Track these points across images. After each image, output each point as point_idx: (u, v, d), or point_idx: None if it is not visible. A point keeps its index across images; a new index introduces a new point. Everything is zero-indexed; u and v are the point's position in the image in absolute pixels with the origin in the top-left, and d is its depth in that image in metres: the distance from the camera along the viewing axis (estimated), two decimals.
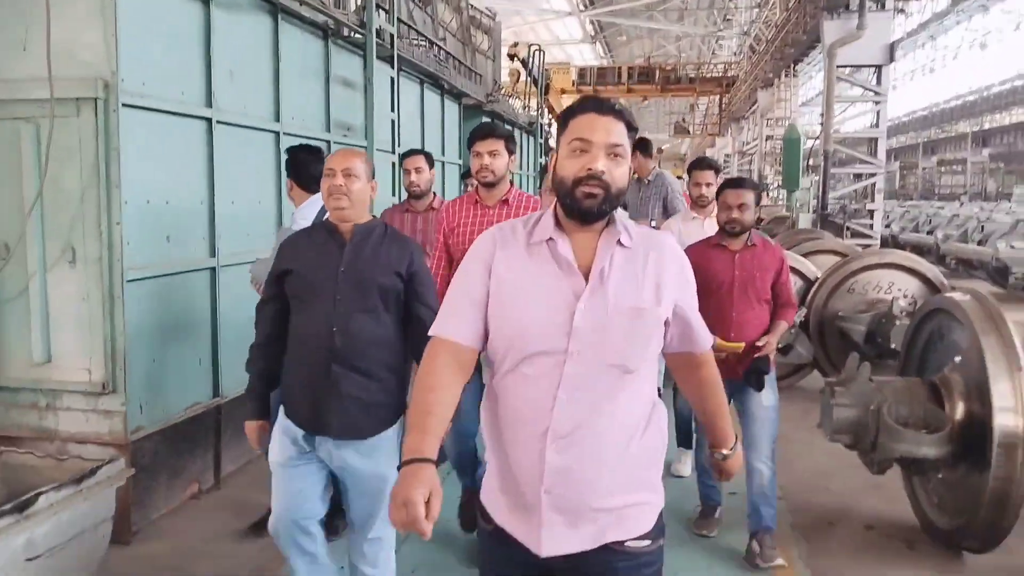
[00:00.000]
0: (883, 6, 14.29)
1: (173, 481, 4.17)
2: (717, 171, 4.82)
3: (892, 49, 14.56)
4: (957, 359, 3.76)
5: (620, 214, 1.74)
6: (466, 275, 1.71)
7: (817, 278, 6.72)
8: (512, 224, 1.74)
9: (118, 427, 3.75)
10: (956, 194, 37.54)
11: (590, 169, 1.57)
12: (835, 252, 7.80)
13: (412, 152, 4.54)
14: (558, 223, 1.66)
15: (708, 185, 4.63)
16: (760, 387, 3.56)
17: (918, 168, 50.85)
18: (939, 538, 3.81)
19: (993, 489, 3.34)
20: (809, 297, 6.62)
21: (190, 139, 4.28)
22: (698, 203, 4.73)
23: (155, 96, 3.92)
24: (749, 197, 3.56)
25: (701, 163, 4.93)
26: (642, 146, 5.99)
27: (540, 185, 6.00)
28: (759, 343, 3.54)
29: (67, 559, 2.94)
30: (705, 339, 1.81)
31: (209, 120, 4.37)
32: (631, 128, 1.67)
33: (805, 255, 7.63)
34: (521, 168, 13.06)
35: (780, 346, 6.43)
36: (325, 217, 2.77)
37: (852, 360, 3.92)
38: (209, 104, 4.38)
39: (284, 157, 3.79)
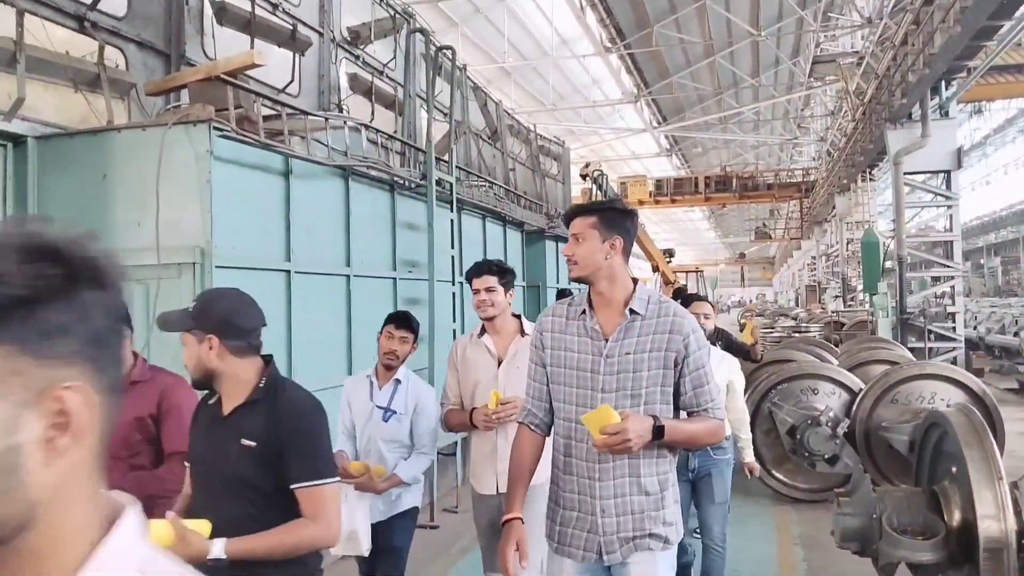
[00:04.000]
0: (947, 114, 14.58)
1: None
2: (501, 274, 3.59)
3: (959, 155, 14.73)
4: (953, 469, 4.02)
5: None
6: None
7: (861, 389, 6.95)
8: None
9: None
10: None
11: None
12: (888, 362, 8.03)
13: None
14: None
15: (490, 290, 3.54)
16: None
17: (1021, 263, 49.05)
18: None
19: None
20: (854, 408, 6.85)
21: (272, 288, 5.06)
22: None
23: (243, 257, 4.74)
24: None
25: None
26: None
27: None
28: None
29: None
30: None
31: (288, 271, 5.17)
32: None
33: (860, 365, 8.00)
34: None
35: (827, 457, 6.69)
36: None
37: (858, 472, 4.23)
38: (288, 259, 5.20)
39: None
